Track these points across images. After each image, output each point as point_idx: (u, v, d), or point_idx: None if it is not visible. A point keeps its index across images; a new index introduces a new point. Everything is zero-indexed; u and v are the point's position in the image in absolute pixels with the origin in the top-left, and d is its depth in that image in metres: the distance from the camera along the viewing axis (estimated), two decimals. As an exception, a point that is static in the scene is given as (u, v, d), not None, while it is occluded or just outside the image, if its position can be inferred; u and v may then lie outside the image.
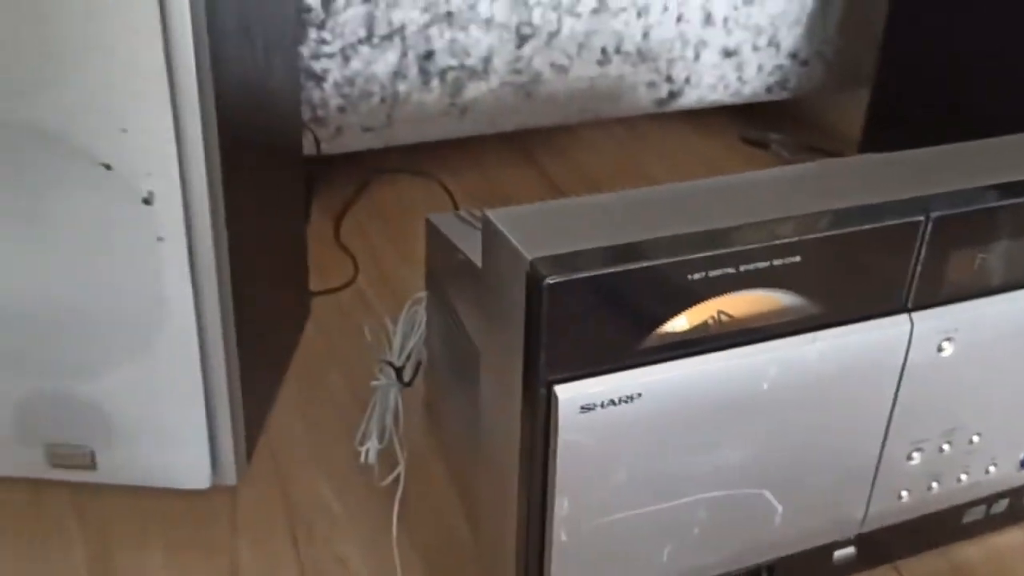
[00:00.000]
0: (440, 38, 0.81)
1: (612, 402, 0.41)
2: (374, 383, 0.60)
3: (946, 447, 0.51)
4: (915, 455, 0.50)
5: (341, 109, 0.81)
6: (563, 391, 0.40)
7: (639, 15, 0.87)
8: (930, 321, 0.46)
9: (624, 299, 0.40)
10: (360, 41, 0.78)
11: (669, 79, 0.91)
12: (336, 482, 0.60)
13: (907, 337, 0.46)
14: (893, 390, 0.47)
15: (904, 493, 0.51)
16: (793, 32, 0.94)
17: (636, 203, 0.44)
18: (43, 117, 0.46)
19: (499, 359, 0.44)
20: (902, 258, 0.45)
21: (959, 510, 0.54)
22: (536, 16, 0.83)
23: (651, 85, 0.91)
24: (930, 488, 0.52)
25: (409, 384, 0.60)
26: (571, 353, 0.40)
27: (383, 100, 0.81)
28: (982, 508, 0.55)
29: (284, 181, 0.64)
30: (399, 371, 0.59)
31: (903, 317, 0.46)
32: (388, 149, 0.85)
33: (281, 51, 0.60)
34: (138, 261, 0.49)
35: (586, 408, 0.41)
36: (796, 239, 0.42)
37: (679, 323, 0.41)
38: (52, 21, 0.44)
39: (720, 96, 0.95)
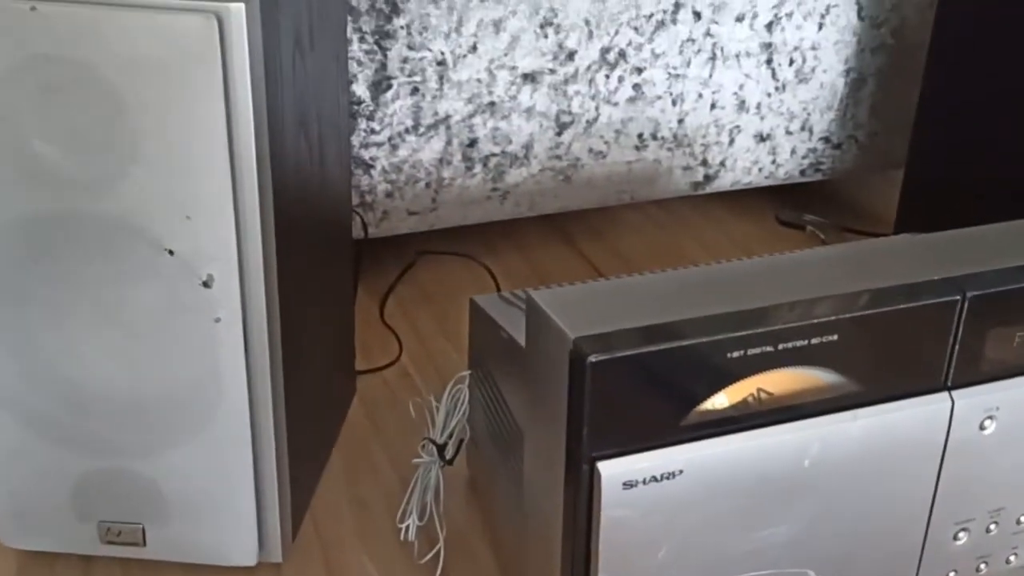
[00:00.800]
0: (483, 127, 0.84)
1: (654, 478, 0.42)
2: (416, 460, 0.61)
3: (993, 527, 0.50)
4: (961, 535, 0.50)
5: (388, 194, 0.84)
6: (606, 467, 0.41)
7: (674, 103, 0.89)
8: (971, 399, 0.46)
9: (665, 377, 0.41)
10: (407, 130, 0.82)
11: (704, 163, 0.94)
12: (378, 559, 0.60)
13: (948, 415, 0.46)
14: (936, 469, 0.47)
15: (952, 574, 0.51)
16: (826, 117, 0.96)
17: (675, 283, 0.46)
18: (114, 207, 0.48)
19: (543, 436, 0.44)
20: (940, 337, 0.45)
21: (1010, 593, 0.54)
22: (575, 105, 0.86)
23: (687, 169, 0.93)
24: (979, 569, 0.51)
25: (451, 462, 0.60)
26: (613, 430, 0.41)
27: (428, 185, 0.84)
28: (1034, 592, 0.54)
29: (334, 264, 0.66)
30: (441, 449, 0.60)
31: (943, 395, 0.46)
32: (432, 231, 0.88)
33: (334, 141, 0.63)
34: (196, 342, 0.51)
35: (628, 484, 0.41)
36: (833, 318, 0.43)
37: (719, 400, 0.42)
38: (127, 119, 0.47)
39: (754, 179, 0.97)
